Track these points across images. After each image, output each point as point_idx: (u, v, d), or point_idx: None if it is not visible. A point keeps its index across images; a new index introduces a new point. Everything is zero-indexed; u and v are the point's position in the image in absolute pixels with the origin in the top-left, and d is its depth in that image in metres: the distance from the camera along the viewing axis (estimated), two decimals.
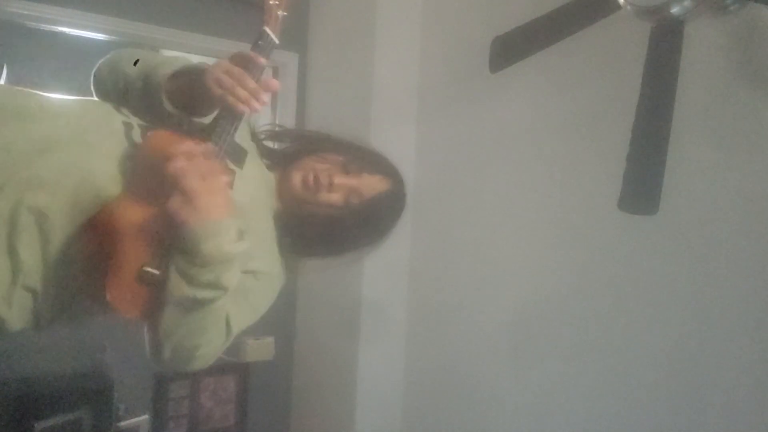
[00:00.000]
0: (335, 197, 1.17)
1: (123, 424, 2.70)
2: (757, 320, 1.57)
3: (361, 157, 1.23)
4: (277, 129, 1.36)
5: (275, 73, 3.31)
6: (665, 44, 1.40)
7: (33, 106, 1.00)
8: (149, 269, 0.92)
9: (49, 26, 2.79)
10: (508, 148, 2.36)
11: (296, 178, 1.17)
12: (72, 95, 1.17)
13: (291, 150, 1.29)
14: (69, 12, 2.73)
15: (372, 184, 1.21)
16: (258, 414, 3.20)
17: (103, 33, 2.84)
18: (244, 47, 1.08)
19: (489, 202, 2.44)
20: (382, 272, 2.77)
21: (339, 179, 1.17)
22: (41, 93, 1.06)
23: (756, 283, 1.58)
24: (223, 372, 3.09)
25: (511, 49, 1.77)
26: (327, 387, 3.07)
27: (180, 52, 2.91)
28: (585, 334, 2.02)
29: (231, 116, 1.02)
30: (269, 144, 1.30)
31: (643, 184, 1.47)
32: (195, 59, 1.23)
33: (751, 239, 1.60)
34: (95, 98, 1.15)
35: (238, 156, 1.10)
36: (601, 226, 1.96)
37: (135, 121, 1.04)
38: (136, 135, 1.01)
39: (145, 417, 2.81)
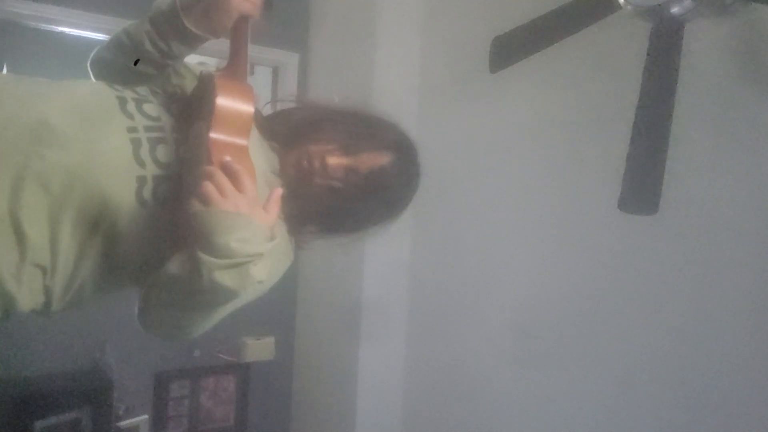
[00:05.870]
0: (331, 178, 1.15)
1: (123, 424, 2.70)
2: (757, 320, 1.57)
3: (359, 136, 1.19)
4: (275, 108, 1.32)
5: (275, 73, 3.31)
6: (665, 44, 1.41)
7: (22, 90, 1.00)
8: None
9: (49, 26, 2.79)
10: (508, 149, 2.36)
11: (292, 159, 1.17)
12: None
13: (288, 131, 1.24)
14: (69, 12, 2.73)
15: (372, 161, 1.17)
16: (258, 414, 3.20)
17: (103, 33, 2.83)
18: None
19: (489, 201, 2.44)
20: (382, 272, 2.77)
21: (333, 160, 1.15)
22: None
23: (756, 282, 1.58)
24: (223, 372, 3.09)
25: (511, 49, 1.77)
26: (327, 387, 3.07)
27: None
28: (584, 333, 2.02)
29: (242, 29, 1.05)
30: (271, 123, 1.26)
31: (643, 184, 1.47)
32: (196, 59, 1.23)
33: (751, 239, 1.60)
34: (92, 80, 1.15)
35: None
36: (601, 226, 1.97)
37: (128, 94, 1.05)
38: (131, 108, 1.02)
39: (145, 417, 2.82)
